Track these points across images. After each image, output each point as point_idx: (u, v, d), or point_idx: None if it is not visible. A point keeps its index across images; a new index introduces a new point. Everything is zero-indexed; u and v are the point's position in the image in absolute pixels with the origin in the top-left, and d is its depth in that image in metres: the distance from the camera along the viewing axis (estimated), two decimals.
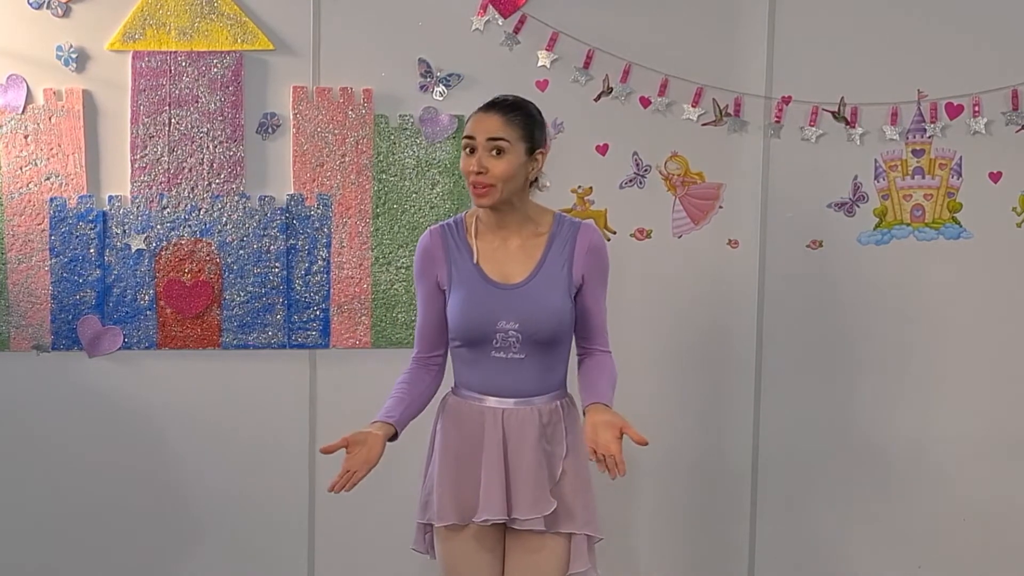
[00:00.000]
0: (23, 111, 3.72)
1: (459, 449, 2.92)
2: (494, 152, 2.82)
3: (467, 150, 2.85)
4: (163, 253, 3.80)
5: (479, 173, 2.81)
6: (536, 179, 2.94)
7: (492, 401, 2.91)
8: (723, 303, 4.02)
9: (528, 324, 2.86)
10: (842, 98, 3.93)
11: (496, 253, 2.91)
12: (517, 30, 3.85)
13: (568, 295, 2.90)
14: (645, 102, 3.91)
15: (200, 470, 3.88)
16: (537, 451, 2.88)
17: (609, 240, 3.85)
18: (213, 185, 3.79)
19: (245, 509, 3.91)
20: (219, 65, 3.77)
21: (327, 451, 2.78)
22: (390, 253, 3.87)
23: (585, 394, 2.88)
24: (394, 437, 2.88)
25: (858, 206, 3.97)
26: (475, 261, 2.90)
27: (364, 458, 2.79)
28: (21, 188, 3.74)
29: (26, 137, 3.72)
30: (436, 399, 3.03)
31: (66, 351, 3.80)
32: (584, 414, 2.82)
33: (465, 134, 2.86)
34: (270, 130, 3.81)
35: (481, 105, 2.89)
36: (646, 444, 2.65)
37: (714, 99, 3.92)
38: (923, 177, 3.96)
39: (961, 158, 3.95)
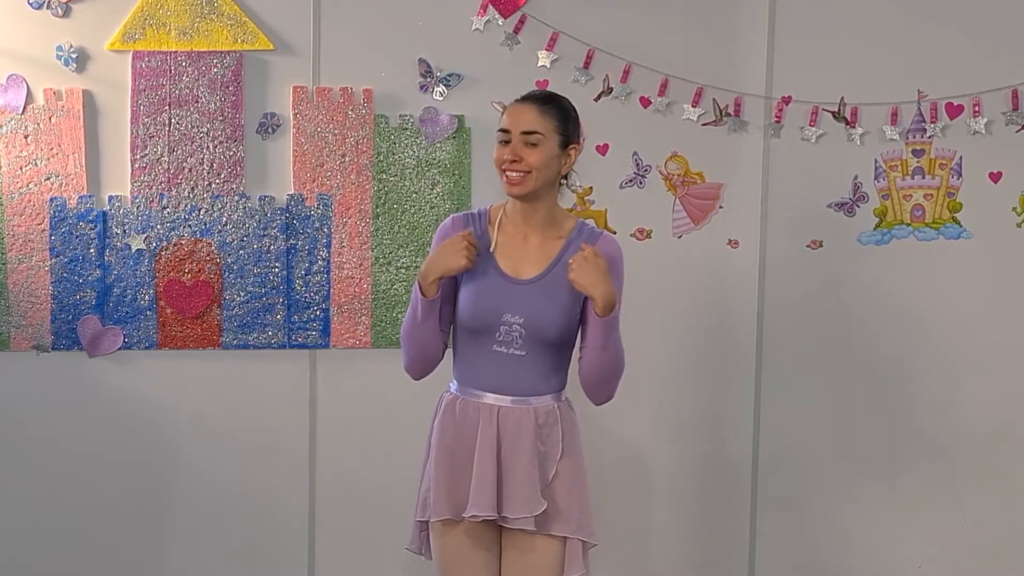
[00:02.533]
0: (23, 111, 3.71)
1: (454, 444, 2.93)
2: (528, 144, 2.87)
3: (501, 142, 2.90)
4: (163, 253, 3.80)
5: (513, 161, 2.86)
6: (567, 176, 2.99)
7: (490, 398, 2.92)
8: (723, 303, 4.02)
9: (533, 320, 2.87)
10: (842, 98, 3.93)
11: (514, 248, 2.94)
12: (517, 30, 3.85)
13: (576, 301, 2.91)
14: (645, 102, 3.91)
15: (200, 470, 3.88)
16: (531, 451, 2.88)
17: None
18: (213, 185, 3.79)
19: (245, 509, 3.91)
20: (219, 65, 3.77)
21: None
22: (390, 253, 3.87)
23: (588, 329, 2.92)
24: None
25: (858, 206, 3.98)
26: (491, 249, 2.92)
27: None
28: (21, 188, 3.74)
29: (26, 137, 3.72)
30: (434, 395, 3.03)
31: (66, 351, 3.80)
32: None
33: (500, 127, 2.91)
34: (270, 130, 3.81)
35: (517, 97, 2.95)
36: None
37: (714, 99, 3.92)
38: (923, 177, 3.96)
39: (961, 158, 3.95)
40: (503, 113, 2.95)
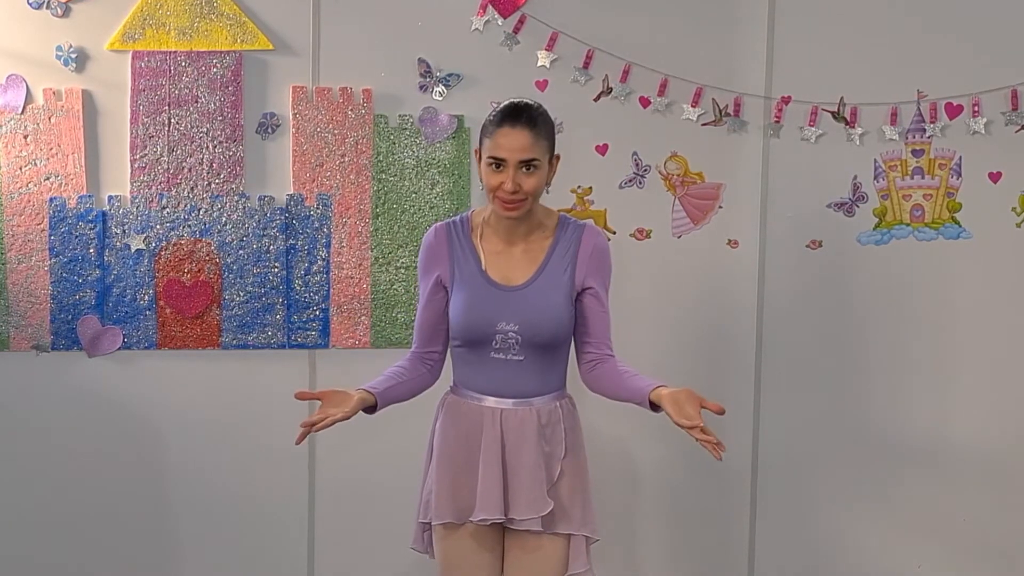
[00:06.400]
0: (23, 111, 3.72)
1: (457, 448, 2.93)
2: (525, 170, 2.81)
3: (493, 165, 2.82)
4: (163, 253, 3.80)
5: (514, 192, 2.80)
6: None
7: (491, 401, 2.91)
8: (723, 303, 4.02)
9: (528, 326, 2.86)
10: (842, 98, 3.93)
11: (500, 255, 2.92)
12: (517, 30, 3.85)
13: (569, 299, 2.91)
14: (645, 102, 3.91)
15: (200, 470, 3.88)
16: (535, 451, 2.88)
17: (609, 240, 3.84)
18: (213, 185, 3.79)
19: (245, 509, 3.91)
20: (219, 65, 3.77)
21: (302, 397, 2.85)
22: (390, 253, 3.87)
23: (636, 387, 2.86)
24: (372, 409, 2.87)
25: (858, 206, 3.98)
26: (482, 267, 2.90)
27: (338, 402, 2.78)
28: (21, 188, 3.74)
29: (26, 137, 3.72)
30: (435, 397, 3.03)
31: (66, 351, 3.80)
32: (658, 398, 2.79)
33: (492, 155, 2.81)
34: (270, 130, 3.81)
35: (503, 117, 2.82)
36: (723, 412, 2.69)
37: (714, 99, 3.92)
38: (923, 177, 3.96)
39: (961, 158, 3.95)
40: (490, 136, 2.82)
